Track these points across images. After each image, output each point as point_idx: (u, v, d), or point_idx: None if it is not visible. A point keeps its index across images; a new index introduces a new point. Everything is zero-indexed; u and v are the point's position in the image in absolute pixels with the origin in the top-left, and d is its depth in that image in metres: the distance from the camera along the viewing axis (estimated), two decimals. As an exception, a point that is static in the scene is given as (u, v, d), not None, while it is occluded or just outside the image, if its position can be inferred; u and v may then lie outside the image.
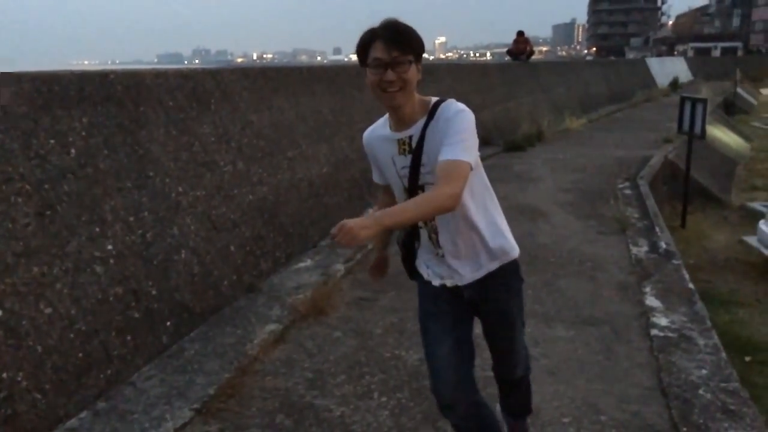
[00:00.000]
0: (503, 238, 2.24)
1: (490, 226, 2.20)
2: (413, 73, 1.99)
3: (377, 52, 1.95)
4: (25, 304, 2.89)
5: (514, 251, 2.27)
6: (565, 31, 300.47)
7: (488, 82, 13.12)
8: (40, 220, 3.13)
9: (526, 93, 14.66)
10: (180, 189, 4.16)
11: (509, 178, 8.68)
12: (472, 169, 1.93)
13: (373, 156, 2.25)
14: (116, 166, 3.72)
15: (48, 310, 2.98)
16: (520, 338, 2.42)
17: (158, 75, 4.42)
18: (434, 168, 1.97)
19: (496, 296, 2.27)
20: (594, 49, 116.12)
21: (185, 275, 3.92)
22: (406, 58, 1.95)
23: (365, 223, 1.75)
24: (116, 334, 3.29)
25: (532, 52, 17.75)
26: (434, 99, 2.09)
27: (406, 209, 1.87)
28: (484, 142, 11.22)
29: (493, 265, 2.22)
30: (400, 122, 2.08)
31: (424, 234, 2.23)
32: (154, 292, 3.63)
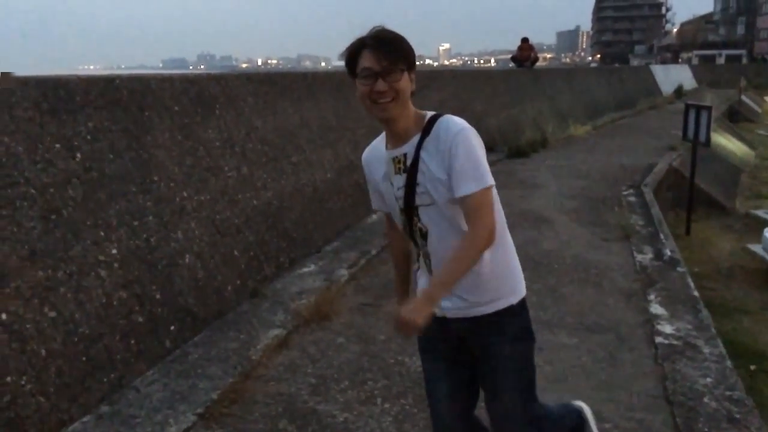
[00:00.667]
0: (504, 279, 2.03)
1: (491, 263, 1.98)
2: (406, 83, 1.89)
3: (366, 61, 1.85)
4: (29, 307, 2.89)
5: (515, 296, 2.04)
6: (569, 38, 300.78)
7: (493, 88, 13.13)
8: (45, 224, 3.13)
9: (530, 99, 14.67)
10: (184, 194, 4.17)
11: (513, 185, 8.67)
12: (493, 185, 1.88)
13: (371, 178, 2.13)
14: (121, 170, 3.73)
15: (52, 314, 2.99)
16: (519, 401, 2.06)
17: (164, 80, 4.44)
18: (429, 189, 1.89)
19: (487, 339, 2.04)
20: (598, 56, 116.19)
21: (189, 280, 3.92)
22: (398, 67, 1.86)
23: (420, 309, 1.78)
24: (120, 338, 3.29)
25: (536, 59, 17.76)
26: (430, 114, 1.96)
27: (452, 272, 1.85)
28: (489, 148, 11.14)
29: (487, 309, 2.01)
30: (395, 138, 1.97)
31: (422, 258, 2.08)
32: (157, 297, 3.63)
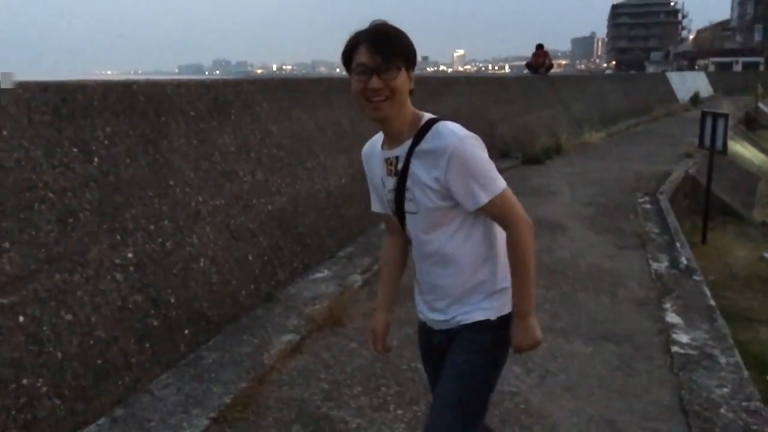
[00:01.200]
0: (487, 293, 1.93)
1: (477, 276, 1.92)
2: (402, 81, 1.79)
3: (362, 56, 1.77)
4: (46, 310, 2.92)
5: (494, 311, 1.92)
6: (584, 45, 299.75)
7: (507, 94, 13.11)
8: (63, 227, 3.16)
9: (544, 106, 14.63)
10: (200, 198, 4.20)
11: (527, 191, 8.64)
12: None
13: (369, 174, 2.07)
14: (138, 175, 3.76)
15: (69, 317, 3.01)
16: (446, 417, 1.86)
17: (180, 85, 4.47)
18: (416, 196, 1.84)
19: (456, 348, 1.94)
20: (613, 62, 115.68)
21: (203, 284, 3.94)
22: (394, 64, 1.77)
23: (530, 328, 1.85)
24: (135, 341, 3.31)
25: (551, 66, 17.73)
26: (427, 117, 1.88)
27: (525, 281, 1.85)
28: (503, 154, 11.20)
29: (464, 318, 1.93)
30: (390, 138, 1.91)
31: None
32: (172, 300, 3.65)
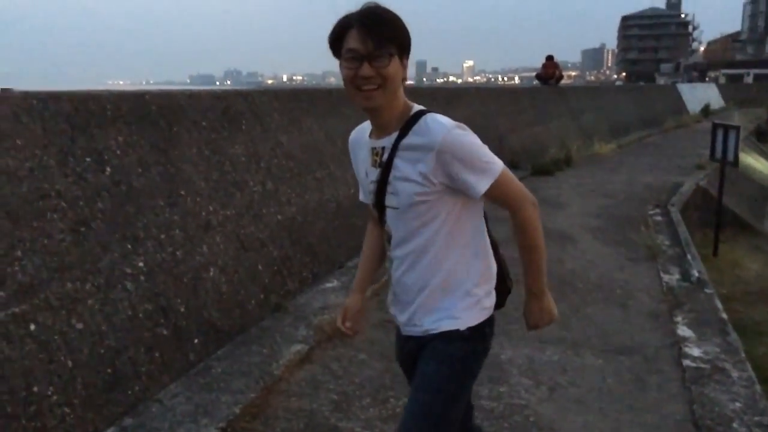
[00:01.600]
0: (460, 299, 1.83)
1: (448, 277, 1.83)
2: (395, 69, 1.69)
3: (352, 41, 1.66)
4: (57, 319, 2.93)
5: (468, 321, 1.84)
6: (594, 56, 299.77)
7: (517, 106, 13.11)
8: (75, 236, 3.18)
9: (554, 117, 14.62)
10: (210, 208, 4.21)
11: (537, 202, 8.61)
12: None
13: (355, 163, 1.99)
14: (149, 184, 3.78)
15: (79, 326, 3.02)
16: (423, 424, 1.79)
17: (192, 96, 4.50)
18: (398, 190, 1.76)
19: (426, 358, 1.85)
20: (624, 74, 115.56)
21: (213, 293, 3.95)
22: (387, 51, 1.66)
23: (545, 304, 1.92)
24: (145, 350, 3.32)
25: (561, 77, 17.72)
26: (416, 108, 1.79)
27: (536, 260, 1.87)
28: (512, 165, 11.19)
29: (433, 327, 1.85)
30: (378, 128, 1.82)
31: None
32: (182, 310, 3.66)
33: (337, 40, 1.70)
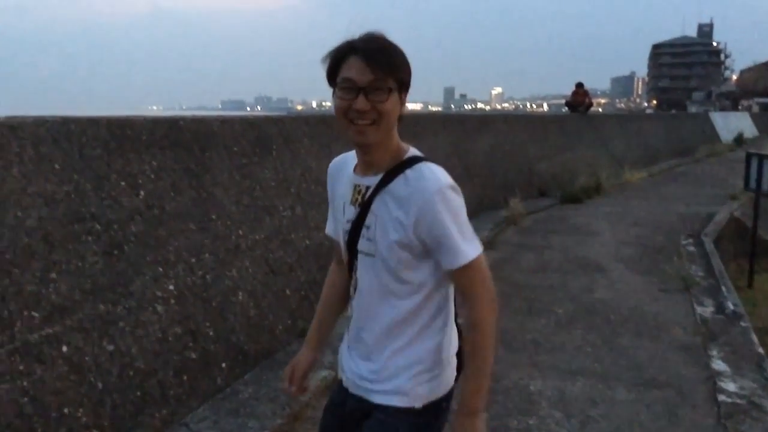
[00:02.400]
0: (415, 369, 1.66)
1: (406, 342, 1.66)
2: (393, 105, 1.57)
3: (350, 70, 1.54)
4: (89, 340, 2.97)
5: (423, 398, 1.67)
6: (623, 84, 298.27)
7: (546, 133, 13.07)
8: (108, 259, 3.23)
9: (584, 145, 14.53)
10: (240, 232, 4.25)
11: (566, 231, 8.53)
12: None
13: (332, 191, 1.83)
14: (181, 208, 3.83)
15: (110, 348, 3.05)
16: None
17: (225, 122, 4.58)
18: (377, 236, 1.61)
19: (370, 428, 1.71)
20: (654, 101, 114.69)
21: (241, 317, 3.97)
22: (386, 84, 1.54)
23: (477, 427, 1.58)
24: (173, 373, 3.33)
25: (590, 104, 17.65)
26: (412, 152, 1.66)
27: (480, 370, 1.59)
28: (541, 193, 11.12)
29: (378, 397, 1.69)
30: (365, 166, 1.68)
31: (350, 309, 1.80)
32: (211, 333, 3.68)
33: (334, 66, 1.59)
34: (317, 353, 1.98)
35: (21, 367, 2.64)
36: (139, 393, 3.10)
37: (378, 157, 1.64)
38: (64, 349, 2.84)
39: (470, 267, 1.58)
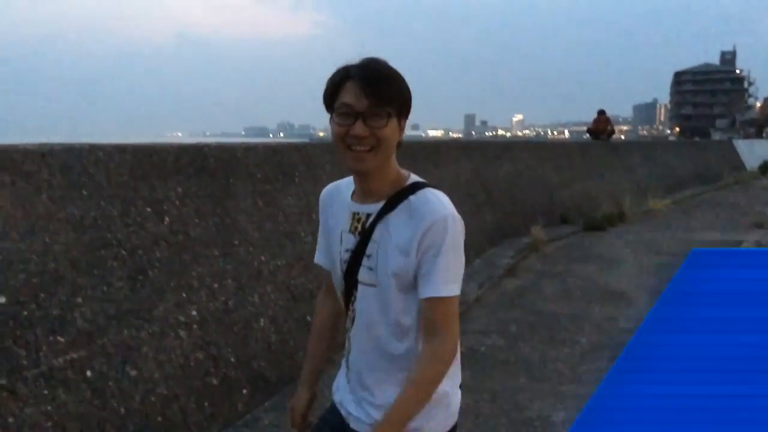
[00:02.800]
0: (429, 410, 1.58)
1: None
2: (392, 131, 1.55)
3: (348, 96, 1.52)
4: (112, 365, 2.99)
5: None
6: (646, 111, 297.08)
7: (567, 160, 13.03)
8: (133, 284, 3.27)
9: (606, 172, 14.45)
10: (262, 258, 4.27)
11: (589, 258, 8.45)
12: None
13: (324, 220, 1.78)
14: (205, 234, 3.87)
15: (133, 373, 3.07)
16: None
17: (249, 149, 4.64)
18: (378, 265, 1.58)
19: None
20: (677, 129, 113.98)
21: (263, 343, 3.97)
22: (384, 110, 1.53)
23: None
24: (195, 399, 3.34)
25: (612, 131, 17.62)
26: (412, 179, 1.63)
27: (410, 396, 1.52)
28: (563, 220, 11.04)
29: None
30: (363, 193, 1.64)
31: (347, 344, 1.74)
32: (232, 359, 3.69)
33: (332, 91, 1.57)
34: (313, 391, 1.94)
35: (45, 392, 2.67)
36: (160, 419, 3.10)
37: (376, 184, 1.61)
38: (89, 373, 2.87)
39: (444, 302, 1.53)
